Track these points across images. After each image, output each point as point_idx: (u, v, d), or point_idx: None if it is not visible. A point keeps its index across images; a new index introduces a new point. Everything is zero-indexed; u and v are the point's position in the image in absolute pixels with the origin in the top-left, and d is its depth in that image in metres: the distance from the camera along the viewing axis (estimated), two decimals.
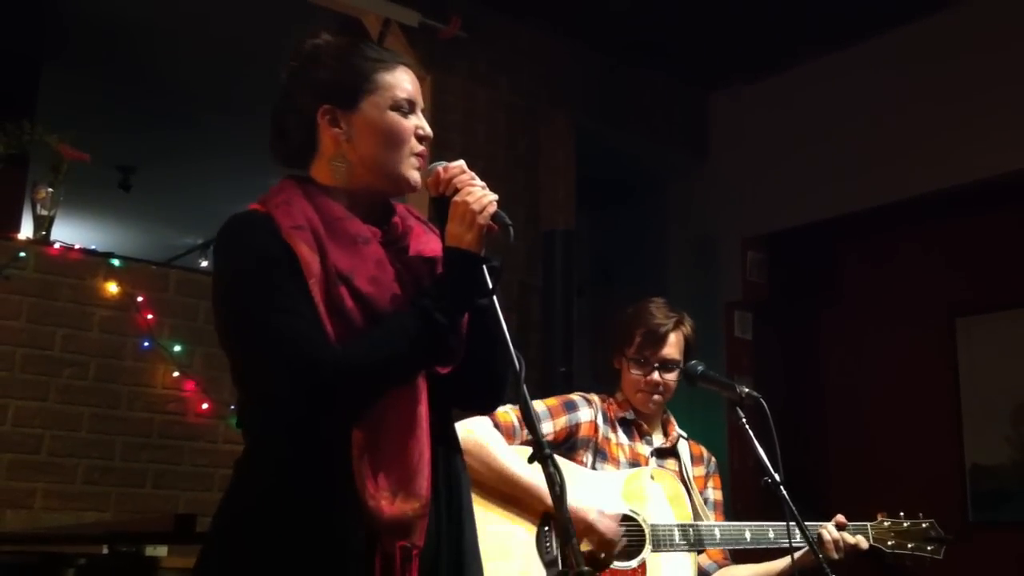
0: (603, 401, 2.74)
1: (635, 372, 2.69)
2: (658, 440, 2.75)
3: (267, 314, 1.57)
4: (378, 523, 1.57)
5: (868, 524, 2.72)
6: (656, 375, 2.67)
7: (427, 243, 1.78)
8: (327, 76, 1.74)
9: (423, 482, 1.61)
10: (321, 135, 1.74)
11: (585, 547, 2.43)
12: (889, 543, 2.71)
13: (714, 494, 2.80)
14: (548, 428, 2.57)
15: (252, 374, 1.65)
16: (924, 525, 2.74)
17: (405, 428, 1.62)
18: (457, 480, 1.73)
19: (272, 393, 1.61)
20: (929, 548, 2.71)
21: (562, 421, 2.61)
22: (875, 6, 5.01)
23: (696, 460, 2.81)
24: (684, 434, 2.81)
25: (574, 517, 2.17)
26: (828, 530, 2.63)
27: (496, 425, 2.49)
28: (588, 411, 2.67)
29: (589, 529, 2.37)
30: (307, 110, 1.73)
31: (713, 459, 2.86)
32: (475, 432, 2.40)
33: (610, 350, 2.80)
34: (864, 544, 2.66)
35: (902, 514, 2.75)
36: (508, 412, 2.51)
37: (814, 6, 5.00)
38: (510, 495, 2.42)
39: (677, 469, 2.72)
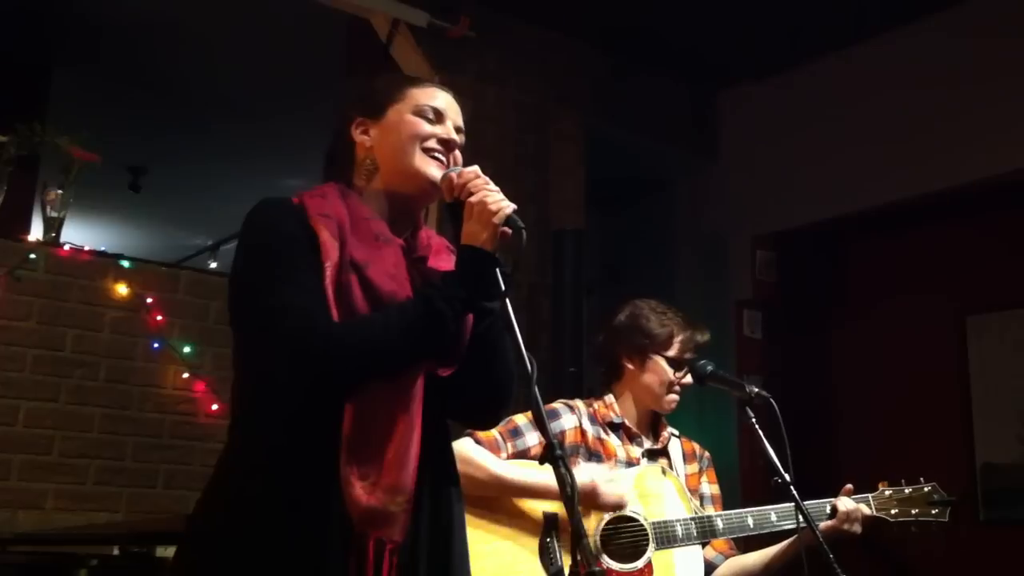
0: (587, 406, 2.72)
1: (674, 374, 2.70)
2: (648, 443, 2.74)
3: (272, 284, 1.62)
4: (355, 513, 1.57)
5: (870, 495, 2.69)
6: (684, 377, 2.72)
7: (446, 262, 1.80)
8: (364, 95, 1.86)
9: (407, 478, 1.61)
10: (356, 146, 1.83)
11: (595, 517, 2.45)
12: (893, 512, 2.67)
13: (711, 488, 2.80)
14: (533, 440, 2.54)
15: (252, 346, 1.68)
16: (927, 489, 2.70)
17: (396, 422, 1.63)
18: (448, 491, 1.73)
19: (269, 364, 1.64)
20: (934, 512, 2.68)
21: None
22: (884, 3, 4.99)
23: (688, 457, 2.80)
24: (676, 432, 2.81)
25: (579, 486, 2.17)
26: (844, 503, 2.61)
27: (478, 442, 2.48)
28: (571, 417, 2.66)
29: (594, 493, 2.39)
30: (346, 128, 1.84)
31: (706, 454, 2.85)
32: (461, 448, 2.36)
33: (626, 351, 2.74)
34: (866, 510, 2.63)
35: (903, 481, 2.71)
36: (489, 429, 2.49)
37: (823, 4, 4.99)
38: (506, 503, 2.41)
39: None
